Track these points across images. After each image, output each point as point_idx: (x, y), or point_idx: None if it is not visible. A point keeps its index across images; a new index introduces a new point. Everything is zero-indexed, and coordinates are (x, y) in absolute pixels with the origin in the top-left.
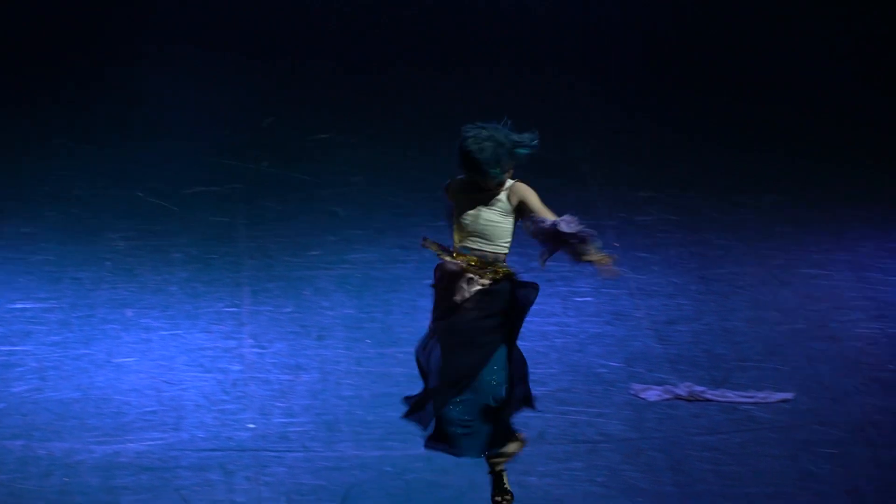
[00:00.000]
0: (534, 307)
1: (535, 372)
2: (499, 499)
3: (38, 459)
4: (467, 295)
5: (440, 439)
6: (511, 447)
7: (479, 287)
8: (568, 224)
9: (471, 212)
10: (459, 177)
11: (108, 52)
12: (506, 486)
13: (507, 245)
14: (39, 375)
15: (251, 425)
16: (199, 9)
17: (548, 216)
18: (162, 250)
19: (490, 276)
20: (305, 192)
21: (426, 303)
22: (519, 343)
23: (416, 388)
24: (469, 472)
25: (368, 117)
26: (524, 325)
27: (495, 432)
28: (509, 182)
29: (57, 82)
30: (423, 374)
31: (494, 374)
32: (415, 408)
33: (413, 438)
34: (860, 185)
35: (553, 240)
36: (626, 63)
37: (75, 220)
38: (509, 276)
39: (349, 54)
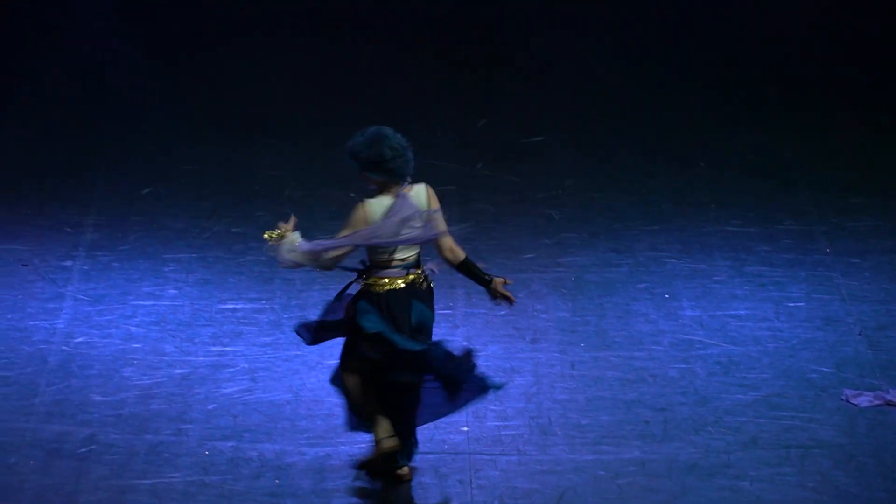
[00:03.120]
0: (746, 311)
1: (747, 377)
2: None
3: (249, 461)
4: None
5: None
6: None
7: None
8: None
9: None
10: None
11: (322, 56)
12: None
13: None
14: (250, 376)
15: (465, 428)
16: (406, 9)
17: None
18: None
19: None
20: (519, 195)
21: (640, 307)
22: (728, 346)
23: (629, 392)
24: (682, 476)
25: (581, 119)
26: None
27: None
28: (419, 185)
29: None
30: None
31: None
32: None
33: (627, 442)
34: None
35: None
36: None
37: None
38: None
39: (561, 54)
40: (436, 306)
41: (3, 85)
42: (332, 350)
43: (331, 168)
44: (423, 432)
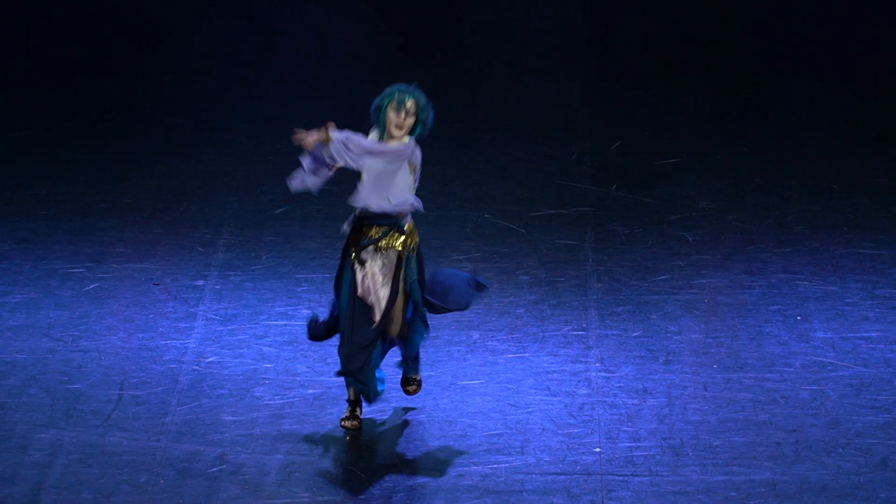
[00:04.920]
0: (878, 333)
1: (878, 399)
2: None
3: (382, 481)
4: None
5: None
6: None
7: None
8: None
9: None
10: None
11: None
12: None
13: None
14: (383, 396)
15: (597, 449)
16: (550, 32)
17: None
18: (508, 272)
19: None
20: (653, 217)
21: (772, 328)
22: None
23: (760, 414)
24: (812, 497)
25: (715, 141)
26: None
27: None
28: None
29: None
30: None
31: None
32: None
33: (758, 464)
34: None
35: None
36: None
37: (421, 240)
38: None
39: (696, 79)
40: (568, 328)
41: (143, 108)
42: (465, 371)
43: (465, 189)
44: (555, 453)
